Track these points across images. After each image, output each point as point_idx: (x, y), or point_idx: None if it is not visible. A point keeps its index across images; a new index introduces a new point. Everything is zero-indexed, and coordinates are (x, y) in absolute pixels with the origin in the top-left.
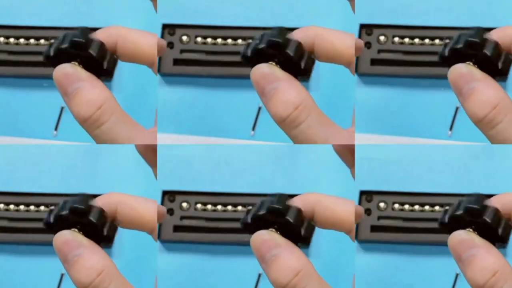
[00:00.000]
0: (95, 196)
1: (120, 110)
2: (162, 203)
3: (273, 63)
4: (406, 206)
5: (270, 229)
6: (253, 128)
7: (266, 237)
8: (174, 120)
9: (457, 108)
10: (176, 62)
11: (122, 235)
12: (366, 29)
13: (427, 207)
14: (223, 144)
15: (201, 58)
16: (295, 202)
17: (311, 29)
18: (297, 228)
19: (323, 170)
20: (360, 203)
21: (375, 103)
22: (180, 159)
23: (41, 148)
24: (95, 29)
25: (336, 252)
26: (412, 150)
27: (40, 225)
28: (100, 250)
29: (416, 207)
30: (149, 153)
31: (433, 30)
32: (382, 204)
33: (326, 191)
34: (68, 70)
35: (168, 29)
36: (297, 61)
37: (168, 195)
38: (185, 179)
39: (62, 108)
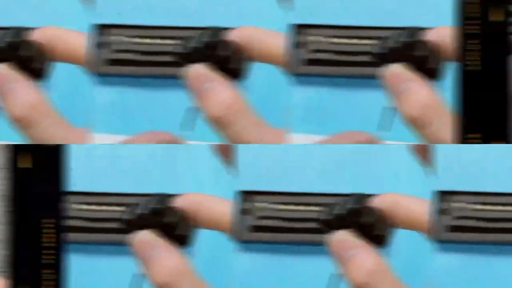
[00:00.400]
0: (173, 196)
1: (53, 112)
2: (239, 203)
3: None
4: (485, 207)
5: (349, 230)
6: None
7: (345, 238)
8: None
9: (389, 108)
10: (111, 62)
11: (198, 235)
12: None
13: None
14: (293, 145)
15: (136, 58)
16: (373, 203)
17: (245, 29)
18: (378, 229)
19: (399, 169)
20: (439, 202)
21: (310, 103)
22: (259, 160)
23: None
24: (30, 29)
25: (413, 252)
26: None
27: (114, 225)
28: (175, 250)
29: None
30: (224, 152)
31: (365, 30)
32: (459, 204)
33: (402, 192)
34: (1, 71)
35: (103, 29)
36: (229, 62)
37: (245, 195)
38: (262, 179)
39: None
